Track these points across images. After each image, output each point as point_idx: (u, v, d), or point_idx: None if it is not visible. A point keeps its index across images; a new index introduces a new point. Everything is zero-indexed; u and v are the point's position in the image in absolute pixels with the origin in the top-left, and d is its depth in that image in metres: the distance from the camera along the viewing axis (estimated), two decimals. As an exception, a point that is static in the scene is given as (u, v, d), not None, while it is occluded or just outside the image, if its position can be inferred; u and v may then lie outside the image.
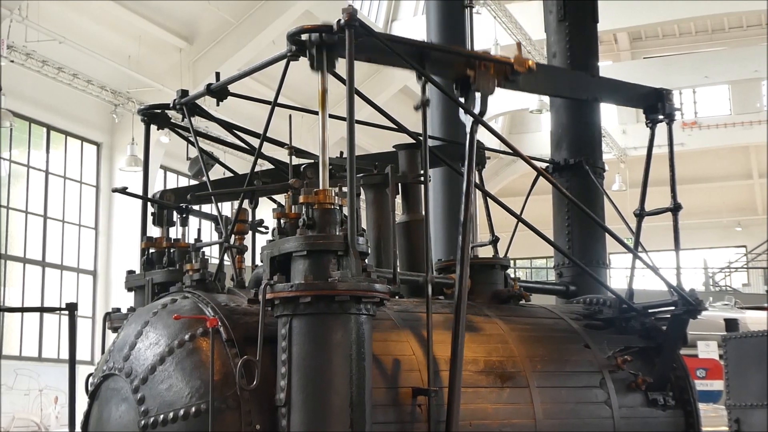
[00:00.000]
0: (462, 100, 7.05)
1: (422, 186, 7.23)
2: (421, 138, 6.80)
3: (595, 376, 7.84)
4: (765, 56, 38.58)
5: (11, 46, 25.67)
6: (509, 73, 7.11)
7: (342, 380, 5.83)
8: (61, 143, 31.30)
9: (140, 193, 8.50)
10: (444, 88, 7.17)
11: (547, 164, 10.05)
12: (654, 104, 8.73)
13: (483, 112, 6.91)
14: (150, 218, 8.29)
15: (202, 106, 8.24)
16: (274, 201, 7.97)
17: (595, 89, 9.02)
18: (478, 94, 6.96)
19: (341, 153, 7.55)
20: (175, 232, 8.02)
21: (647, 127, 8.80)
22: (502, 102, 42.60)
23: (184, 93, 8.07)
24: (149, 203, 8.38)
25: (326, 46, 6.15)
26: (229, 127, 8.45)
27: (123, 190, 8.49)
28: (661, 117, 8.72)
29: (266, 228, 7.44)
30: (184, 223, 8.15)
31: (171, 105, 8.12)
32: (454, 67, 7.01)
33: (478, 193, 8.67)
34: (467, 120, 6.95)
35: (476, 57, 7.03)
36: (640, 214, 8.86)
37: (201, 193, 8.07)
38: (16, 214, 29.63)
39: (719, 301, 26.40)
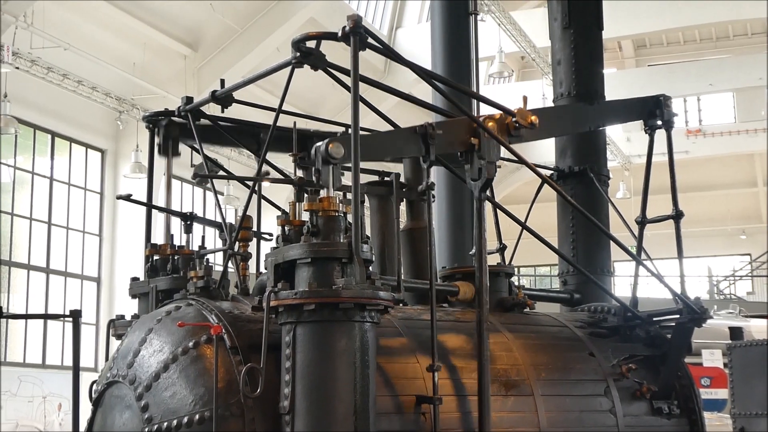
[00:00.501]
0: (467, 167, 7.05)
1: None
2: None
3: (600, 384, 7.83)
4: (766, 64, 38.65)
5: (16, 53, 25.68)
6: (512, 129, 7.14)
7: (346, 388, 5.82)
8: (65, 150, 31.32)
9: (144, 200, 8.50)
10: (451, 168, 7.20)
11: (552, 172, 10.04)
12: (652, 111, 8.73)
13: (491, 177, 6.92)
14: (156, 152, 8.29)
15: (207, 112, 8.24)
16: (279, 208, 7.97)
17: (595, 117, 9.01)
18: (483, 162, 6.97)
19: (346, 129, 7.54)
20: (179, 239, 8.02)
21: (646, 133, 8.80)
22: (507, 109, 42.56)
23: (188, 100, 8.07)
24: (152, 209, 8.37)
25: (333, 160, 6.06)
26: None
27: (127, 197, 8.49)
28: (659, 123, 8.72)
29: (270, 235, 7.44)
30: (189, 230, 8.14)
31: (176, 112, 8.13)
32: (457, 142, 7.00)
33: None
34: (474, 186, 6.96)
35: (479, 125, 7.01)
36: (642, 222, 8.86)
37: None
38: (20, 221, 29.64)
39: (724, 310, 26.41)
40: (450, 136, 6.91)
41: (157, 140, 8.26)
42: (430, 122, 6.79)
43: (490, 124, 7.04)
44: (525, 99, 7.39)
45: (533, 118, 7.19)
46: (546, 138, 8.53)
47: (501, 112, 7.24)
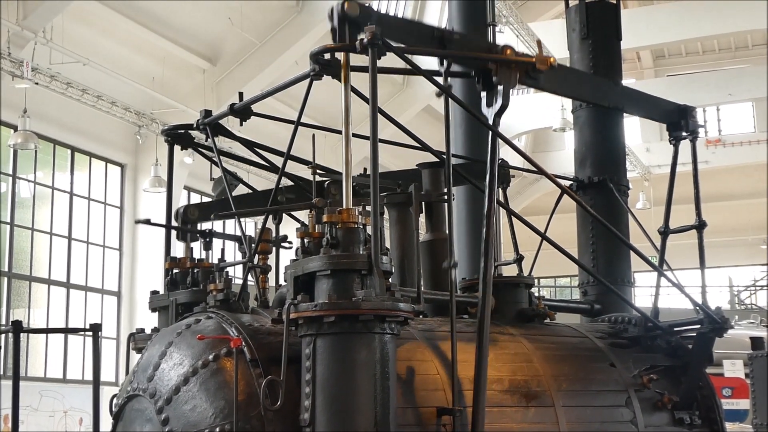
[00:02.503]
0: (483, 93, 7.01)
1: (446, 204, 7.20)
2: (444, 156, 6.79)
3: (621, 395, 7.79)
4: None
5: (36, 69, 25.81)
6: (531, 70, 7.06)
7: (366, 400, 5.80)
8: (85, 165, 31.45)
9: (164, 212, 8.53)
10: (464, 103, 7.17)
11: (571, 182, 10.02)
12: (677, 121, 8.70)
13: (505, 105, 6.88)
14: (174, 236, 8.30)
15: (226, 126, 8.25)
16: (298, 220, 7.97)
17: (618, 98, 8.95)
18: (500, 88, 6.92)
19: (365, 170, 7.53)
20: (198, 252, 8.03)
21: (671, 144, 8.77)
22: (526, 121, 42.64)
23: (207, 113, 8.08)
24: (173, 220, 8.39)
25: (348, 18, 6.14)
26: (251, 145, 8.46)
27: (147, 221, 8.51)
28: (684, 134, 8.69)
29: (290, 243, 7.44)
30: (208, 247, 8.13)
31: (194, 125, 8.14)
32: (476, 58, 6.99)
33: (503, 211, 8.65)
34: (489, 112, 6.93)
35: (497, 52, 6.99)
36: (665, 232, 8.83)
37: (225, 213, 8.07)
38: (41, 236, 29.76)
39: (745, 320, 26.34)
40: (468, 48, 6.91)
41: (175, 223, 8.31)
42: (449, 29, 6.80)
43: (508, 51, 7.00)
44: (539, 42, 7.33)
45: (552, 60, 7.12)
46: (562, 95, 8.44)
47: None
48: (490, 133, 6.91)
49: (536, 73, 7.05)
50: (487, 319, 6.59)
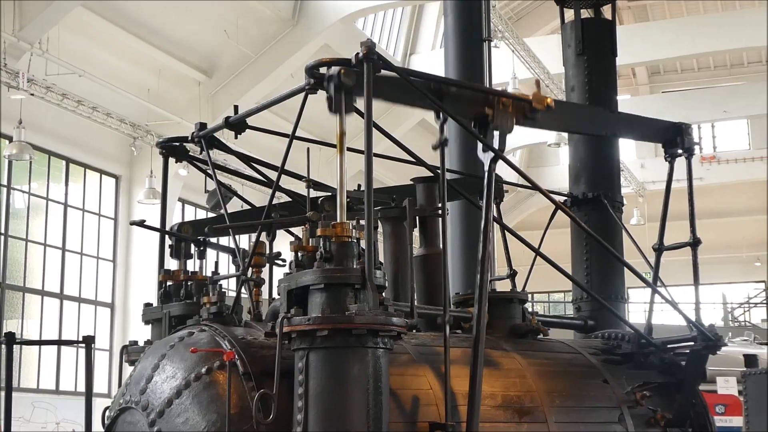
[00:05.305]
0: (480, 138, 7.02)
1: (440, 219, 7.20)
2: (439, 171, 6.78)
3: (614, 411, 7.78)
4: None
5: (31, 80, 25.79)
6: (528, 110, 7.08)
7: (359, 414, 5.79)
8: (80, 176, 31.43)
9: (158, 225, 8.51)
10: (464, 122, 7.16)
11: (566, 198, 10.02)
12: (673, 139, 8.71)
13: (501, 150, 6.89)
14: (168, 251, 8.28)
15: (221, 138, 8.24)
16: (292, 234, 7.96)
17: (614, 125, 9.00)
18: (496, 132, 6.93)
19: (359, 186, 7.52)
20: (192, 265, 8.01)
21: (666, 161, 8.78)
22: (521, 135, 42.65)
23: (202, 126, 8.07)
24: (167, 235, 8.38)
25: (345, 88, 6.12)
26: (247, 159, 8.45)
27: (141, 223, 8.49)
28: (680, 151, 8.70)
29: (284, 260, 7.43)
30: (202, 256, 8.13)
31: (189, 138, 8.13)
32: (472, 105, 6.98)
33: (496, 226, 8.65)
34: (486, 158, 6.93)
35: (494, 93, 7.00)
36: (659, 249, 8.83)
37: (218, 226, 8.06)
38: (34, 247, 29.72)
39: (738, 337, 26.34)
40: (464, 99, 6.91)
41: (169, 242, 8.26)
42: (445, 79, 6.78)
43: (504, 100, 7.00)
44: (538, 82, 7.33)
45: (549, 100, 7.12)
46: (560, 130, 8.48)
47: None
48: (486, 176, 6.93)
49: (533, 113, 7.07)
50: (482, 334, 6.58)
